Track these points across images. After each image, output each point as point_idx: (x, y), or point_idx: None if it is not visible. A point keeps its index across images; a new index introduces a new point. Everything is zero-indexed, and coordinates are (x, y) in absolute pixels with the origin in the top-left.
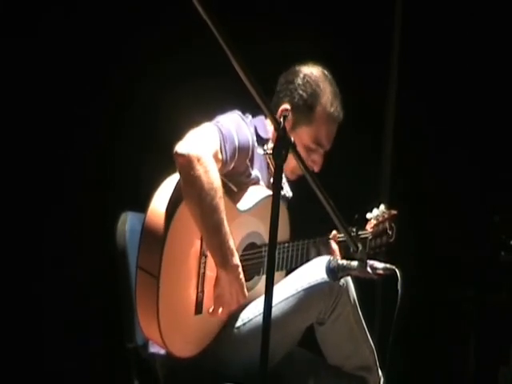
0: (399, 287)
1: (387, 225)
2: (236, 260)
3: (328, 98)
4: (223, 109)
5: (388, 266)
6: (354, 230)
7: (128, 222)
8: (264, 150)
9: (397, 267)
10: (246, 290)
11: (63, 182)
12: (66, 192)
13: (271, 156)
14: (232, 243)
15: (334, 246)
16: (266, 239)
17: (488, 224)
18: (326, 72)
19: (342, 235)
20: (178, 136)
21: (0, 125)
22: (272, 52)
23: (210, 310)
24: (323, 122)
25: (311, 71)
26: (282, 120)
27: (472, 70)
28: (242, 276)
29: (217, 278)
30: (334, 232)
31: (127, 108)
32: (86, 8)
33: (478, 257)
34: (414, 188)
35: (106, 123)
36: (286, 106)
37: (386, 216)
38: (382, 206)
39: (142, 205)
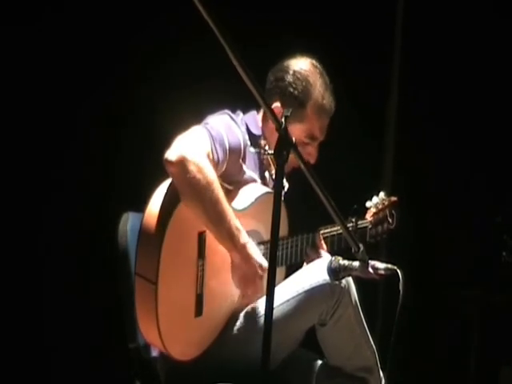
0: (401, 288)
1: (387, 212)
2: (244, 237)
3: (319, 92)
4: (213, 109)
5: (390, 266)
6: (353, 220)
7: (129, 223)
8: (265, 151)
9: (398, 267)
10: (263, 259)
11: (64, 182)
12: (67, 192)
13: (272, 156)
14: (238, 223)
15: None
16: (265, 237)
17: (490, 224)
18: (314, 62)
19: (327, 231)
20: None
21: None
22: (271, 52)
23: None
24: (315, 117)
25: (300, 66)
26: (283, 120)
27: (474, 67)
28: (253, 250)
29: (233, 263)
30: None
31: (130, 107)
32: (86, 9)
33: (479, 257)
34: (416, 188)
35: (107, 122)
36: (277, 104)
37: (385, 203)
38: (382, 194)
39: (143, 205)
